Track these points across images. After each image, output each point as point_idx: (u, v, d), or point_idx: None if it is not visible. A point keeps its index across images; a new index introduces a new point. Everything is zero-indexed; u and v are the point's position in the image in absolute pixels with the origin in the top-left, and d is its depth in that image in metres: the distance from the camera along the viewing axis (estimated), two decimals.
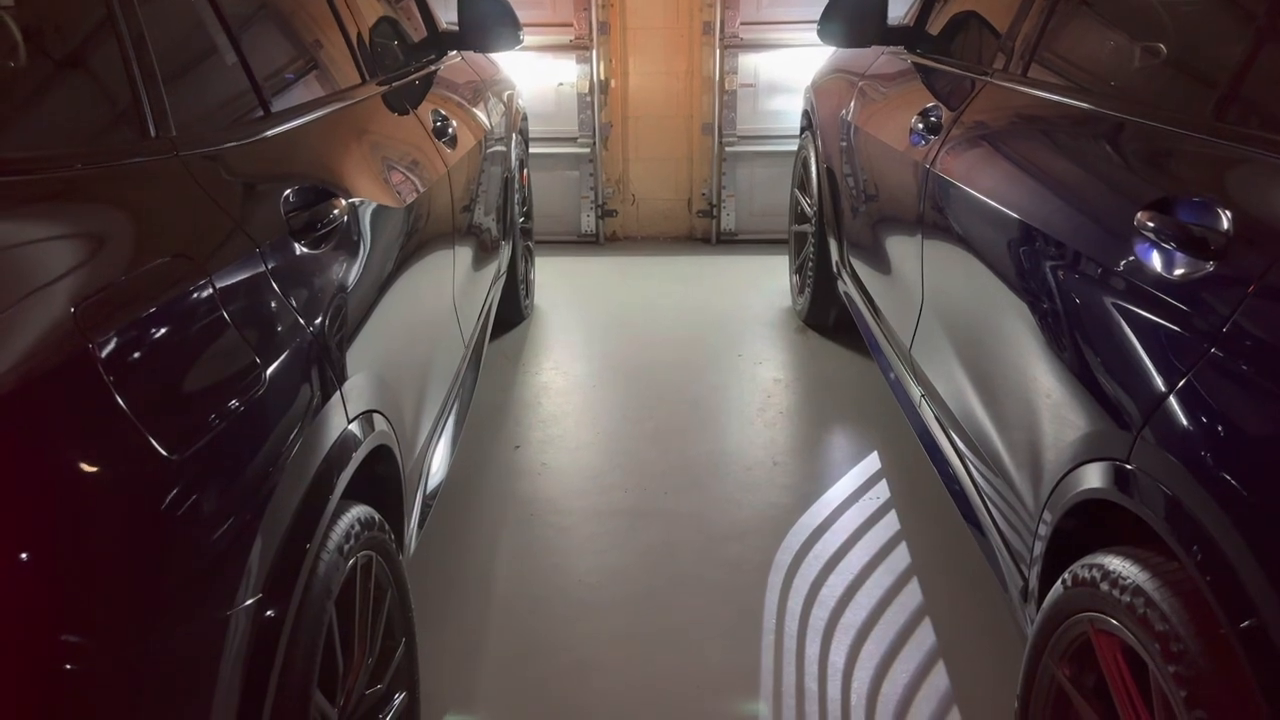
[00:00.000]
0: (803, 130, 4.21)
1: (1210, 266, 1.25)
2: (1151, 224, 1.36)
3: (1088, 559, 1.37)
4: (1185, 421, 1.21)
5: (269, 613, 1.14)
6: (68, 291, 0.99)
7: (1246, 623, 1.05)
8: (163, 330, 1.09)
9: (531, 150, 4.53)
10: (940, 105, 2.46)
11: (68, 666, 0.87)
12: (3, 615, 0.83)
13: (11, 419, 0.85)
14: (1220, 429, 1.17)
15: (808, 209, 3.97)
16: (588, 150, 5.27)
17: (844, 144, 3.37)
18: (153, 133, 1.28)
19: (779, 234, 4.71)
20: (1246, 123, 1.41)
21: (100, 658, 0.91)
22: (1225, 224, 1.25)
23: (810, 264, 3.90)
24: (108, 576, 0.93)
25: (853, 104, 3.31)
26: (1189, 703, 1.11)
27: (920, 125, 2.49)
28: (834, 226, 3.58)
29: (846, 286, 3.44)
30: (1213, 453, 1.15)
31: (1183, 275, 1.29)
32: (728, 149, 5.25)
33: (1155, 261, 1.34)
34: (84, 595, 0.90)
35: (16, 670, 0.84)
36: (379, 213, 1.85)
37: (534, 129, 4.69)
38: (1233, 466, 1.11)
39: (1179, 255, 1.30)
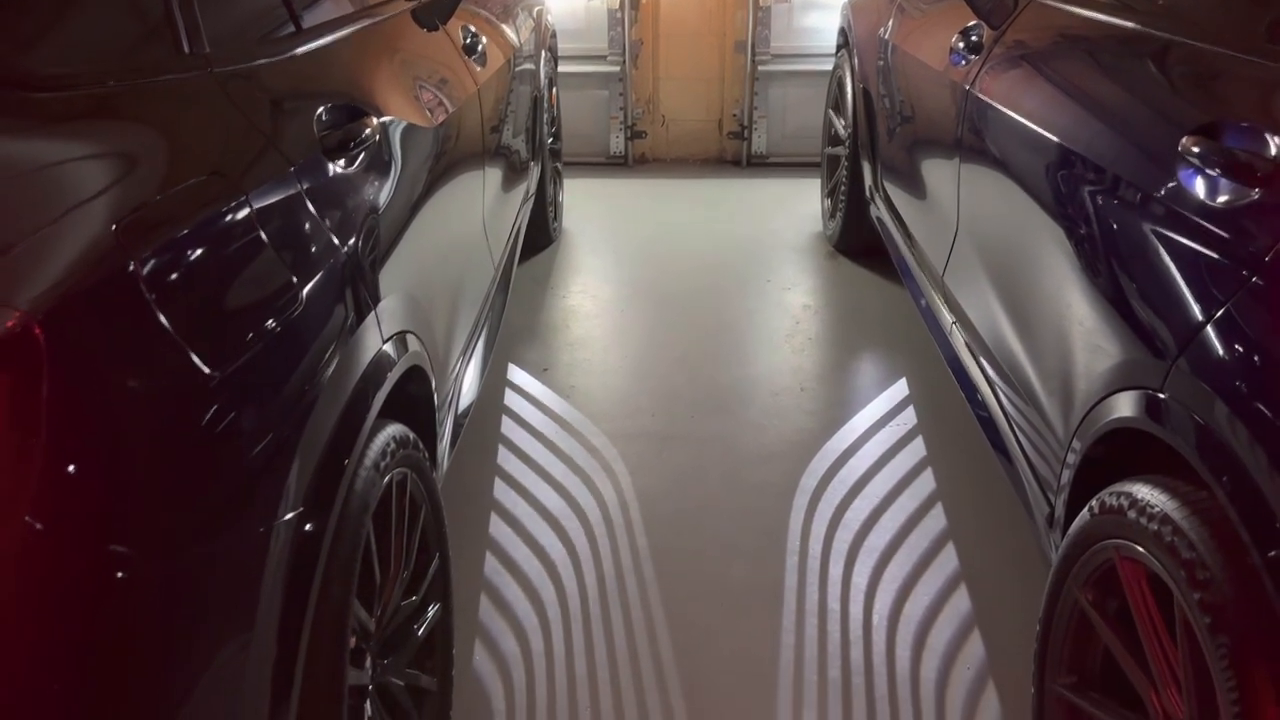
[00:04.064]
0: (838, 49, 4.11)
1: (1256, 194, 1.22)
2: (1197, 149, 1.33)
3: (1115, 486, 1.37)
4: (1222, 351, 1.20)
5: (309, 526, 1.17)
6: (108, 208, 0.99)
7: (1275, 552, 1.05)
8: (201, 248, 1.09)
9: (560, 69, 4.46)
10: (982, 24, 2.39)
11: (118, 575, 0.90)
12: (52, 527, 0.85)
13: (58, 334, 0.87)
14: (1258, 359, 1.16)
15: (841, 131, 3.90)
16: (617, 69, 5.19)
17: (881, 63, 3.29)
18: (186, 49, 1.27)
19: (811, 157, 4.64)
20: None
21: (148, 568, 0.93)
22: (1274, 150, 1.22)
23: (843, 188, 3.84)
24: (153, 490, 0.95)
25: (891, 22, 3.23)
26: (1213, 629, 1.12)
27: (961, 45, 2.43)
28: (868, 149, 3.52)
29: (879, 211, 3.40)
30: (1249, 383, 1.14)
31: (1227, 202, 1.26)
32: (760, 68, 5.14)
33: (1199, 188, 1.31)
34: (130, 508, 0.92)
35: (67, 579, 0.87)
36: (410, 132, 1.84)
37: (563, 46, 4.61)
38: (1269, 398, 1.10)
39: (1224, 181, 1.27)
